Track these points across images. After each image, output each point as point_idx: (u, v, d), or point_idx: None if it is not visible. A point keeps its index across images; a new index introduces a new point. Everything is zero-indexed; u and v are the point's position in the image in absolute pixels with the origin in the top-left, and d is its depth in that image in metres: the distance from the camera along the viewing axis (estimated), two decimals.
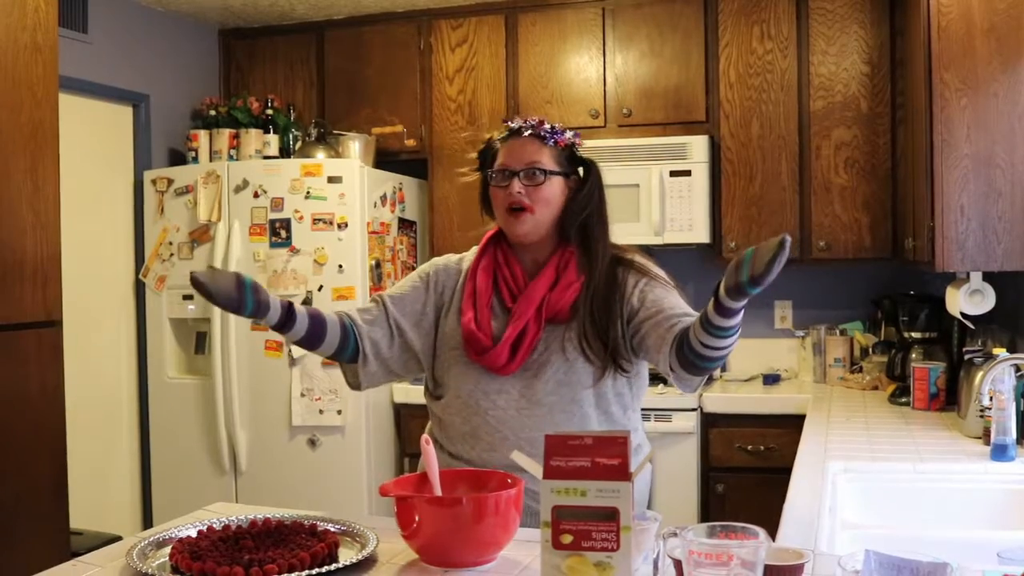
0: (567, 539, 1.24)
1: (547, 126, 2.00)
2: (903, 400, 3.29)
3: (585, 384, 1.94)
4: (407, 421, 4.03)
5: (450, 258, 2.15)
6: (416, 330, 2.04)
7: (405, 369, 2.08)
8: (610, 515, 1.24)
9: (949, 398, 3.11)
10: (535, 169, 1.96)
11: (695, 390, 1.90)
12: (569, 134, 2.03)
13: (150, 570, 1.44)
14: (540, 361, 1.94)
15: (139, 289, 4.17)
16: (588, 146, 3.84)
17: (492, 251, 2.05)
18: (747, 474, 3.54)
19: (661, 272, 2.01)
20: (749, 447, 3.54)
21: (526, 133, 1.99)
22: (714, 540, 1.24)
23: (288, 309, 1.92)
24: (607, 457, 1.25)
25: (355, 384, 2.06)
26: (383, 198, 4.03)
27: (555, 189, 1.98)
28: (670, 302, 1.90)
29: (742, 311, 1.63)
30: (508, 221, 1.99)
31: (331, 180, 3.84)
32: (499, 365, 1.94)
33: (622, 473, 1.24)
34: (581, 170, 2.04)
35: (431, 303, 2.07)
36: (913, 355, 3.40)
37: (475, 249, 2.11)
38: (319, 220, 3.84)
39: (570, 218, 1.99)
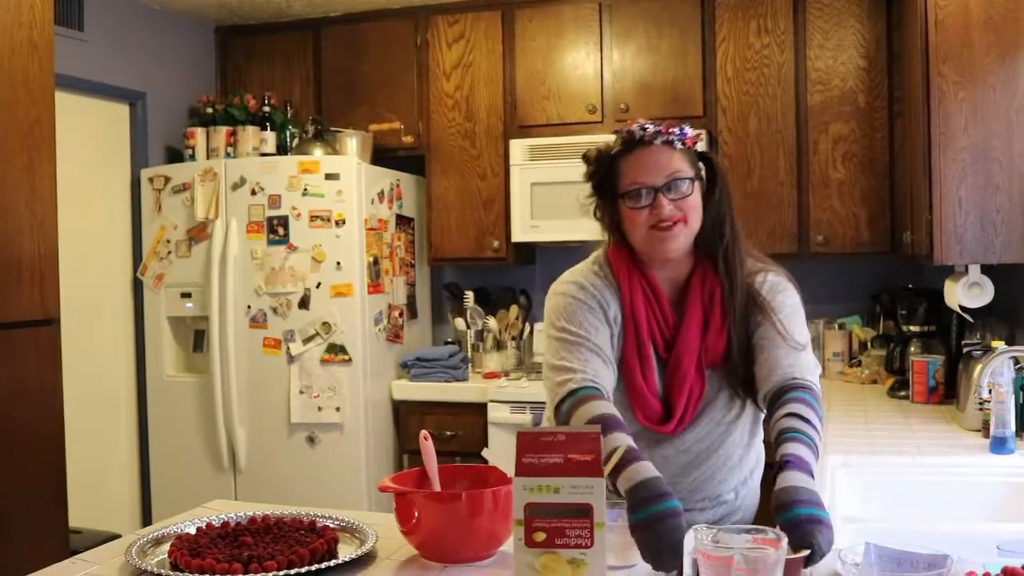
0: (540, 537, 1.24)
1: (674, 128, 1.79)
2: (902, 394, 3.29)
3: (736, 420, 1.86)
4: (406, 418, 4.03)
5: (594, 281, 1.86)
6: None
7: None
8: (584, 511, 1.23)
9: (948, 391, 3.11)
10: (678, 179, 1.76)
11: None
12: (690, 130, 1.82)
13: (149, 567, 1.44)
14: (701, 411, 1.83)
15: (137, 287, 4.17)
16: (586, 142, 3.89)
17: (639, 281, 1.83)
18: None
19: (791, 290, 1.86)
20: None
21: (657, 142, 1.77)
22: (724, 542, 1.23)
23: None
24: (580, 453, 1.24)
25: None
26: (381, 195, 4.03)
27: (697, 197, 1.79)
28: (783, 340, 1.76)
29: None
30: (658, 238, 1.77)
31: (328, 177, 3.83)
32: (668, 431, 1.80)
33: (595, 469, 1.23)
34: (702, 163, 1.85)
35: (614, 337, 1.83)
36: (912, 349, 3.40)
37: (593, 267, 1.89)
38: (317, 217, 3.83)
39: (710, 231, 1.81)
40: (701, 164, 1.84)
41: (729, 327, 1.80)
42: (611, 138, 1.88)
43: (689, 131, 1.82)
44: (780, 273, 1.89)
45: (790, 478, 1.45)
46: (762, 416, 1.92)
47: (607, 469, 1.30)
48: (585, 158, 1.88)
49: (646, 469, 1.46)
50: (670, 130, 1.78)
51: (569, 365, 1.73)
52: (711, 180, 1.84)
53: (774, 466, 1.53)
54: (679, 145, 1.78)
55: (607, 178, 1.83)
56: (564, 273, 1.94)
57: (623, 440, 1.52)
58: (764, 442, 1.92)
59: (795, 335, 1.78)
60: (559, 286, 1.89)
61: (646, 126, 1.78)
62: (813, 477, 1.48)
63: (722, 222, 1.83)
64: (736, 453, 1.89)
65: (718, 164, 1.86)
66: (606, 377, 1.75)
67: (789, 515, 1.37)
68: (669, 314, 1.82)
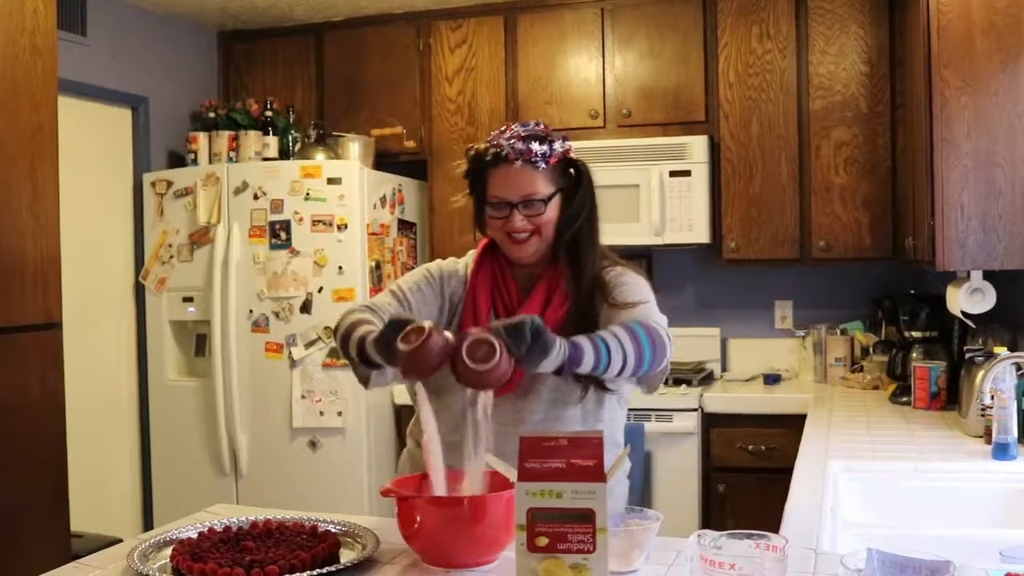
0: (543, 541, 1.24)
1: (536, 148, 1.91)
2: (904, 399, 3.28)
3: (572, 402, 1.94)
4: (408, 422, 4.02)
5: (455, 263, 2.09)
6: None
7: None
8: (586, 516, 1.23)
9: (950, 397, 3.10)
10: (532, 200, 1.91)
11: (652, 392, 1.94)
12: (558, 145, 1.95)
13: (151, 572, 1.44)
14: (531, 379, 1.92)
15: (139, 291, 4.17)
16: (588, 147, 3.91)
17: (490, 265, 2.02)
18: (748, 474, 3.53)
19: (637, 278, 1.97)
20: (750, 447, 3.54)
21: (517, 163, 1.91)
22: (721, 547, 1.23)
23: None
24: (582, 458, 1.25)
25: (364, 380, 1.95)
26: (383, 199, 4.03)
27: (554, 208, 1.94)
28: (625, 303, 1.89)
29: (578, 363, 1.63)
30: (511, 247, 1.96)
31: (331, 182, 3.84)
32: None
33: (597, 474, 1.23)
34: (572, 171, 1.99)
35: (445, 308, 2.03)
36: (914, 354, 3.40)
37: (472, 255, 2.07)
38: (319, 222, 3.83)
39: (561, 232, 1.95)
40: (572, 170, 1.98)
41: (569, 307, 1.92)
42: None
43: (556, 146, 1.94)
44: (632, 269, 2.00)
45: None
46: (612, 409, 2.01)
47: (609, 475, 1.30)
48: (466, 155, 2.02)
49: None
50: (532, 152, 1.90)
51: (387, 301, 1.98)
52: (578, 186, 1.97)
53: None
54: (542, 165, 1.92)
55: (477, 180, 1.98)
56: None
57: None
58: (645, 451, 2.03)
59: (630, 299, 1.89)
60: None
61: (515, 144, 1.91)
62: (579, 352, 1.62)
63: (576, 222, 1.95)
64: (576, 426, 1.95)
65: (585, 172, 1.99)
66: (383, 310, 1.93)
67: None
68: (514, 292, 1.99)
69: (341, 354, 1.88)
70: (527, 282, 2.01)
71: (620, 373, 1.70)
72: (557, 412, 1.93)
